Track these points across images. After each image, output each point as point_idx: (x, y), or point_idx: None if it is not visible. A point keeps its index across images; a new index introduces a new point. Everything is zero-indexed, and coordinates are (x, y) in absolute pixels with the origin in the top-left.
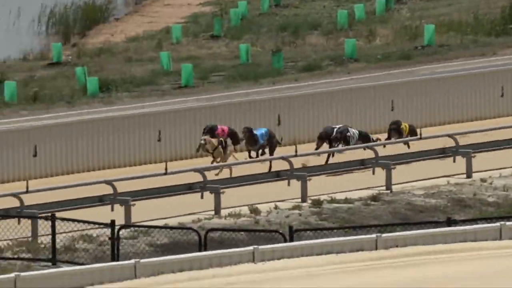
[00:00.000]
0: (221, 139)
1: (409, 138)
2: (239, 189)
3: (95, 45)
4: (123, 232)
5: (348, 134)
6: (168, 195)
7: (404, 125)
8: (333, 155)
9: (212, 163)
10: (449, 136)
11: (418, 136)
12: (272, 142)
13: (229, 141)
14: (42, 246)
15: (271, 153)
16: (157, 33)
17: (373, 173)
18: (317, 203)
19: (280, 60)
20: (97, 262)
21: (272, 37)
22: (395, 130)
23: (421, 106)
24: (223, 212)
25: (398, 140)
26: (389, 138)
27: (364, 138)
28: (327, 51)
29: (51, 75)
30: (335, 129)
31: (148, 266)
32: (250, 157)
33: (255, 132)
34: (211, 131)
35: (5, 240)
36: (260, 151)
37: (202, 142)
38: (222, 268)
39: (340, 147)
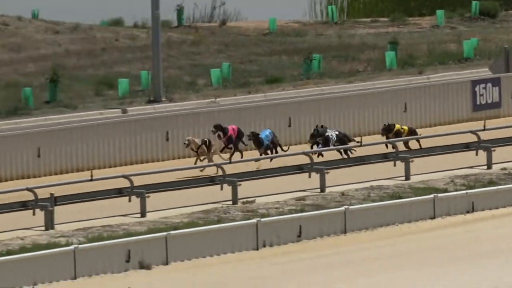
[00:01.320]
0: (205, 139)
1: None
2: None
3: None
4: None
5: (327, 135)
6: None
7: (403, 128)
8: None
9: (195, 162)
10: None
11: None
12: (274, 142)
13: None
14: None
15: (276, 150)
16: None
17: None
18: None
19: None
20: None
21: None
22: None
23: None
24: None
25: (389, 140)
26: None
27: (341, 140)
28: None
29: None
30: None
31: None
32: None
33: (260, 135)
34: (221, 128)
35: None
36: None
37: (186, 142)
38: None
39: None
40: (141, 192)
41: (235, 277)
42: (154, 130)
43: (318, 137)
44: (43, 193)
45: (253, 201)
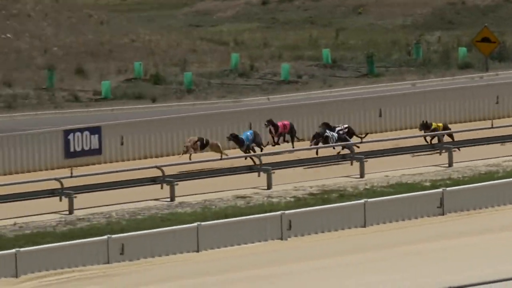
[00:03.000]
0: (202, 137)
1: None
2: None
3: None
4: None
5: (327, 135)
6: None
7: (437, 125)
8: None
9: (190, 158)
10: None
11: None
12: (257, 141)
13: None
14: None
15: (261, 149)
16: None
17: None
18: None
19: None
20: None
21: None
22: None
23: None
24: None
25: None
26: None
27: (343, 140)
28: None
29: None
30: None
31: None
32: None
33: (240, 136)
34: (272, 124)
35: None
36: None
37: (188, 143)
38: None
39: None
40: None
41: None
42: None
43: (319, 137)
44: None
45: None
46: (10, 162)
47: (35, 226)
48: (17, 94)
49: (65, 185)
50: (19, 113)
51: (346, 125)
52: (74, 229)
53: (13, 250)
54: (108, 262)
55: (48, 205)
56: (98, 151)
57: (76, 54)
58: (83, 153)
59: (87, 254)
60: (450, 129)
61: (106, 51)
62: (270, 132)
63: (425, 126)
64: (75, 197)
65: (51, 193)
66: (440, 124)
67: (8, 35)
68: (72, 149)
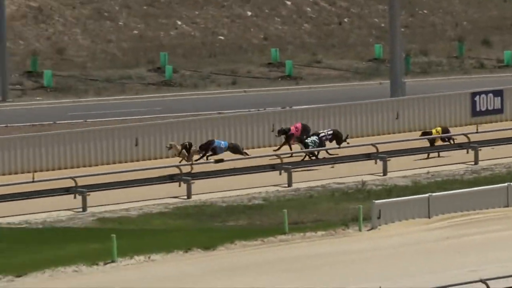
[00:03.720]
0: (185, 143)
1: None
2: None
3: None
4: None
5: (307, 140)
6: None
7: (435, 130)
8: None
9: (180, 162)
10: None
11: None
12: (236, 148)
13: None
14: None
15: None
16: None
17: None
18: None
19: None
20: None
21: None
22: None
23: None
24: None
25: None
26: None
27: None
28: None
29: None
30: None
31: None
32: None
33: (215, 144)
34: (284, 132)
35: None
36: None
37: (168, 146)
38: None
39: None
40: None
41: None
42: None
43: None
44: None
45: None
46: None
47: (445, 174)
48: (431, 62)
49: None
50: (432, 78)
51: (330, 130)
52: (479, 177)
53: (426, 195)
54: (507, 206)
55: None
56: (500, 111)
57: (483, 28)
58: (487, 112)
59: (490, 198)
60: (450, 132)
61: (509, 24)
62: (287, 140)
63: (426, 134)
64: (480, 150)
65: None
66: (439, 128)
67: (425, 11)
68: (478, 109)
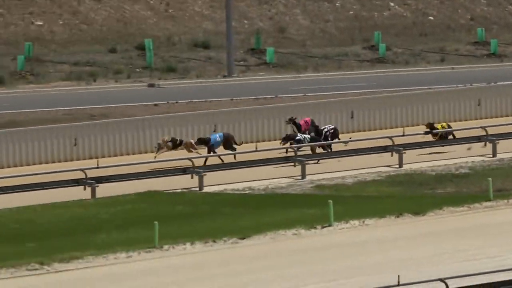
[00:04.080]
0: (175, 138)
1: None
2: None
3: None
4: None
5: (298, 138)
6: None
7: (441, 125)
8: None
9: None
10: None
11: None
12: (228, 142)
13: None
14: None
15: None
16: None
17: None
18: None
19: None
20: None
21: None
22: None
23: None
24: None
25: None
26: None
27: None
28: None
29: None
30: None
31: None
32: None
33: (210, 136)
34: (294, 122)
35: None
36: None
37: (160, 142)
38: None
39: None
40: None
41: None
42: None
43: (290, 140)
44: None
45: None
46: None
47: None
48: None
49: None
50: None
51: (332, 126)
52: None
53: None
54: None
55: None
56: None
57: None
58: None
59: None
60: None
61: None
62: (294, 131)
63: (431, 127)
64: None
65: None
66: (445, 124)
67: None
68: None
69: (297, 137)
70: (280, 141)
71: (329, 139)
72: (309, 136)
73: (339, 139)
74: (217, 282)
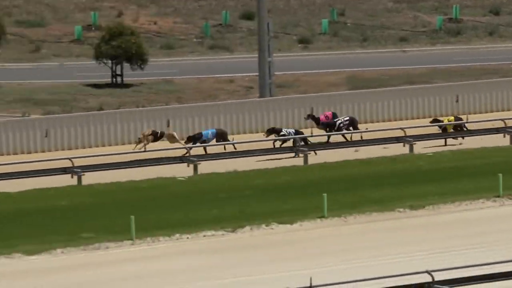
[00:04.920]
0: (156, 131)
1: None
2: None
3: None
4: None
5: (282, 133)
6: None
7: (448, 119)
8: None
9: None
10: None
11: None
12: (221, 136)
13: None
14: None
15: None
16: None
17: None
18: None
19: None
20: None
21: None
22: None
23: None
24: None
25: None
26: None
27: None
28: None
29: None
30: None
31: None
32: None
33: (202, 132)
34: (313, 117)
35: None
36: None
37: (140, 137)
38: None
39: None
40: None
41: None
42: None
43: (273, 133)
44: None
45: None
46: None
47: None
48: None
49: None
50: None
51: (347, 117)
52: None
53: None
54: None
55: None
56: None
57: None
58: None
59: None
60: (462, 119)
61: None
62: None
63: (436, 121)
64: None
65: None
66: (452, 118)
67: None
68: None
69: (281, 132)
70: (263, 133)
71: (344, 130)
72: (293, 130)
73: (357, 129)
74: None
